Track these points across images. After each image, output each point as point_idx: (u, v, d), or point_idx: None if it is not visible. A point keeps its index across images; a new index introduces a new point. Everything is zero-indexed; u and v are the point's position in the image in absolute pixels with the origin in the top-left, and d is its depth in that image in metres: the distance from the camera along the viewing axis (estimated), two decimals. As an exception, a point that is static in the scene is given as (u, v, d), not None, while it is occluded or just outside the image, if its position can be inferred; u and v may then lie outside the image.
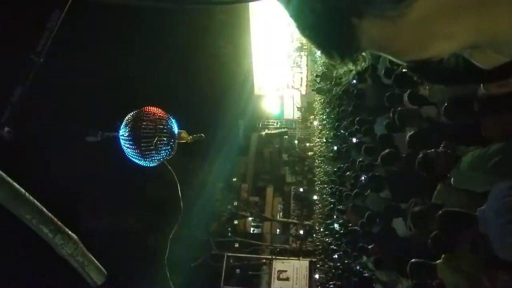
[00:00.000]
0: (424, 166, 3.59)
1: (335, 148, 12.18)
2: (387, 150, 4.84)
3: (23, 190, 1.38)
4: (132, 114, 6.79)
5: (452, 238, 3.14)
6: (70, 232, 1.53)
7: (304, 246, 23.60)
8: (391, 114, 4.96)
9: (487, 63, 0.53)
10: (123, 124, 6.75)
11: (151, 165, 6.84)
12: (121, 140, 6.80)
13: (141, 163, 6.82)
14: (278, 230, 29.25)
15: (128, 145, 6.73)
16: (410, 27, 0.43)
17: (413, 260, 3.64)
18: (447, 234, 3.16)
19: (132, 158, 6.83)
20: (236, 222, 27.58)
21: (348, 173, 9.05)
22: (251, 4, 22.90)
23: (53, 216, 1.48)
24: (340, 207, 9.37)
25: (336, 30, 0.45)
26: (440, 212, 3.16)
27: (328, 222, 14.51)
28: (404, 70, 4.56)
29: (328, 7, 0.42)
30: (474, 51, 0.51)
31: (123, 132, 6.72)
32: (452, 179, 3.49)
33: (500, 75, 0.56)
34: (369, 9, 0.42)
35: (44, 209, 1.45)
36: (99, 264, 1.65)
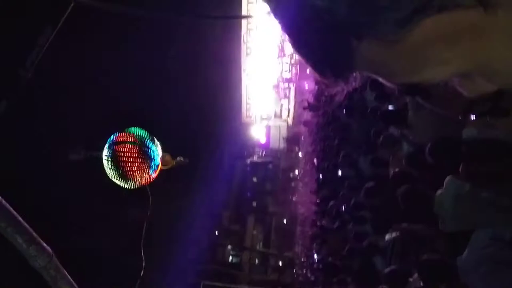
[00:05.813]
0: (407, 200, 3.57)
1: (320, 178, 12.19)
2: (371, 183, 4.86)
3: (0, 197, 1.35)
4: (116, 135, 6.72)
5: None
6: (45, 244, 1.49)
7: (282, 278, 23.28)
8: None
9: (474, 91, 0.53)
10: (106, 144, 6.67)
11: (131, 187, 6.74)
12: (104, 161, 6.70)
13: (122, 184, 6.71)
14: (257, 260, 28.84)
15: (109, 166, 6.63)
16: (406, 51, 0.44)
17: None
18: (428, 283, 3.12)
19: (113, 179, 6.73)
20: (215, 250, 27.20)
21: (330, 204, 9.04)
22: (243, 32, 23.30)
23: (28, 226, 1.43)
24: (322, 238, 9.31)
25: (334, 49, 0.45)
26: (420, 261, 3.13)
27: (308, 253, 14.37)
28: (390, 108, 4.59)
29: (329, 26, 0.43)
30: (464, 79, 0.51)
31: (106, 152, 6.64)
32: (440, 221, 3.40)
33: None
34: (371, 32, 0.43)
35: (20, 218, 1.41)
36: (72, 281, 1.59)
